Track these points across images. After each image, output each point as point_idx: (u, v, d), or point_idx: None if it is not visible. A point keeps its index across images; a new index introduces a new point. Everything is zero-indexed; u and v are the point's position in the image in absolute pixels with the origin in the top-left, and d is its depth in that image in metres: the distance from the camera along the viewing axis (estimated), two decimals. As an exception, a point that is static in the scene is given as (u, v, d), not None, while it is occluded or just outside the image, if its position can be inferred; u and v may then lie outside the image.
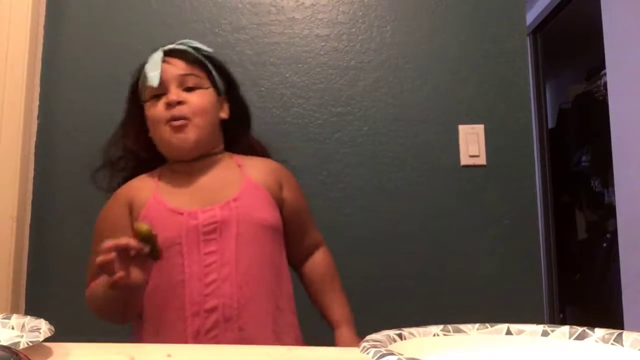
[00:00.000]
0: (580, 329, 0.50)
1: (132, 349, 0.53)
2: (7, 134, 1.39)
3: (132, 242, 0.79)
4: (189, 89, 0.99)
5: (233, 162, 1.03)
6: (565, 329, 0.51)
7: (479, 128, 1.43)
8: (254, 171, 1.01)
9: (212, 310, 0.88)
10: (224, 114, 1.06)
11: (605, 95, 2.17)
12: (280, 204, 1.02)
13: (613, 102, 2.05)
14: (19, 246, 1.36)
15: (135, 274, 0.81)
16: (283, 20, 1.50)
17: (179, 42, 1.05)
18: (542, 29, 2.86)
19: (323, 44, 1.48)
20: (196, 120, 0.97)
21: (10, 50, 1.41)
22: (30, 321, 0.55)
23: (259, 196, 0.97)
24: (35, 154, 1.43)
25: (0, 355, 0.39)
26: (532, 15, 2.82)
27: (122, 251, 0.78)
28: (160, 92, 0.98)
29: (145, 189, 0.99)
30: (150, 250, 0.80)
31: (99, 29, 1.49)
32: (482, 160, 1.42)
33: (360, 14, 1.50)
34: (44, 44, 1.48)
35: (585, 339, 0.49)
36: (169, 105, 0.96)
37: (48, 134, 1.45)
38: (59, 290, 1.38)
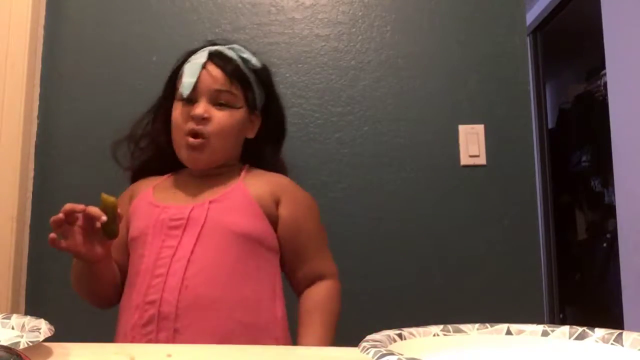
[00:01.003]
0: (580, 329, 0.50)
1: (132, 349, 0.53)
2: (7, 134, 1.39)
3: (92, 209, 0.80)
4: (220, 105, 0.96)
5: (239, 172, 1.01)
6: (565, 329, 0.51)
7: (479, 128, 1.43)
8: (253, 181, 0.98)
9: (151, 303, 0.85)
10: (251, 134, 1.04)
11: (605, 95, 2.17)
12: (274, 220, 0.96)
13: (613, 102, 2.05)
14: (19, 246, 1.36)
15: (92, 247, 0.83)
16: (283, 20, 1.50)
17: (230, 46, 1.01)
18: (542, 29, 2.86)
19: (323, 44, 1.48)
20: (214, 142, 0.95)
21: (10, 50, 1.41)
22: (30, 321, 0.55)
23: (240, 202, 0.94)
24: (35, 154, 1.43)
25: (0, 355, 0.39)
26: (532, 15, 2.82)
27: (88, 220, 0.81)
28: (191, 97, 0.96)
29: (147, 184, 1.01)
30: (107, 224, 0.80)
31: (99, 29, 1.49)
32: (482, 160, 1.42)
33: (360, 14, 1.50)
34: (44, 44, 1.47)
35: (585, 339, 0.49)
36: (193, 119, 0.94)
37: (48, 134, 1.45)
38: (59, 290, 1.37)
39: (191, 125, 0.94)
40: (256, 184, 0.97)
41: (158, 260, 0.88)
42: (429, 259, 1.39)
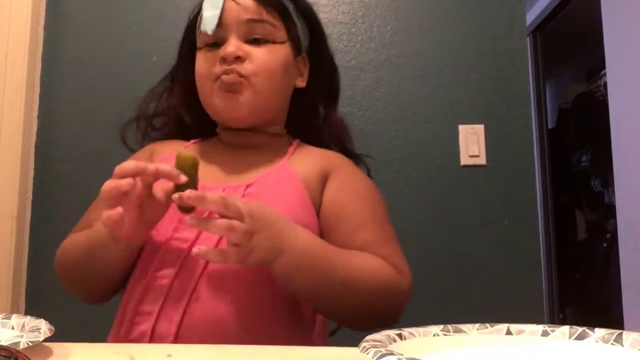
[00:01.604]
0: (580, 329, 0.50)
1: (132, 349, 0.53)
2: (7, 134, 1.39)
3: (165, 168, 0.60)
4: (256, 41, 0.74)
5: (286, 148, 0.79)
6: (565, 329, 0.51)
7: (479, 128, 1.43)
8: (301, 160, 0.76)
9: (146, 315, 0.65)
10: (301, 82, 0.81)
11: (605, 95, 2.17)
12: (319, 202, 0.73)
13: (613, 102, 2.05)
14: (19, 246, 1.36)
15: (142, 225, 0.63)
16: (283, 20, 1.50)
17: None
18: (542, 29, 2.86)
19: (323, 44, 1.48)
20: (256, 81, 0.73)
21: (10, 50, 1.41)
22: (30, 321, 0.55)
23: (285, 189, 0.72)
24: (35, 154, 1.43)
25: (0, 355, 0.39)
26: (532, 15, 2.82)
27: (149, 188, 0.61)
28: (217, 40, 0.75)
29: (173, 144, 0.81)
30: (183, 189, 0.58)
31: (99, 29, 1.49)
32: (482, 160, 1.42)
33: (360, 14, 1.50)
34: (44, 44, 1.47)
35: (585, 339, 0.49)
36: (224, 60, 0.73)
37: (48, 134, 1.45)
38: (59, 290, 1.37)
39: (222, 69, 0.73)
40: (305, 163, 0.75)
41: (165, 254, 0.67)
42: (429, 259, 1.39)
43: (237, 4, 0.74)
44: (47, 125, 1.45)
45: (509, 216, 1.40)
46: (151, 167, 0.60)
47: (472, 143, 1.42)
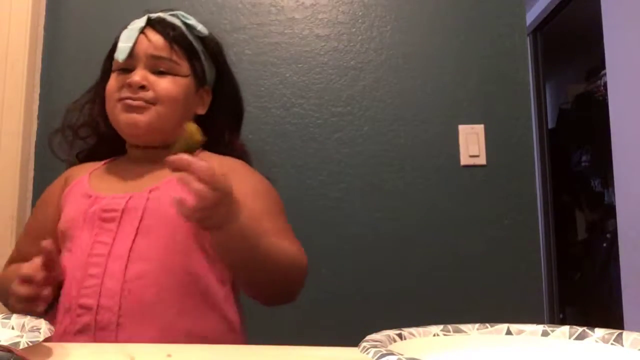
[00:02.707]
0: (580, 329, 0.50)
1: (132, 349, 0.53)
2: (7, 134, 1.39)
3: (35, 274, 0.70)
4: (161, 73, 0.84)
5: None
6: (565, 329, 0.51)
7: (479, 128, 1.43)
8: None
9: (85, 308, 0.72)
10: (201, 110, 0.91)
11: (605, 95, 2.17)
12: None
13: (613, 102, 2.05)
14: (19, 246, 1.36)
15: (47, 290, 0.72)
16: (283, 20, 1.50)
17: (172, 12, 0.91)
18: (542, 29, 2.86)
19: (323, 44, 1.48)
20: (160, 108, 0.83)
21: (10, 50, 1.41)
22: (30, 321, 0.55)
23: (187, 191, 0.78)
24: (35, 154, 1.43)
25: (0, 355, 0.39)
26: (532, 15, 2.82)
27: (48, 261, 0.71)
28: (128, 66, 0.84)
29: (85, 169, 0.90)
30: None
31: (99, 29, 1.49)
32: (482, 160, 1.42)
33: (360, 14, 1.50)
34: (44, 44, 1.48)
35: (585, 339, 0.49)
36: (129, 86, 0.82)
37: (48, 134, 1.45)
38: (59, 290, 1.38)
39: (126, 94, 0.82)
40: None
41: (91, 257, 0.75)
42: (429, 258, 1.39)
43: (149, 40, 0.85)
44: (47, 125, 1.45)
45: (509, 216, 1.40)
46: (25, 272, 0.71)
47: (472, 143, 1.42)
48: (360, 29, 1.49)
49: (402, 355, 0.38)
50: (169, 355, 0.50)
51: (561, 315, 2.80)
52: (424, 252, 1.39)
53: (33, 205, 1.41)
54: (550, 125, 3.02)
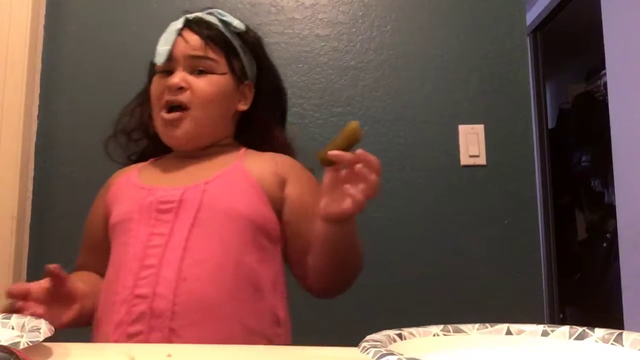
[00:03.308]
0: (580, 329, 0.50)
1: (132, 349, 0.53)
2: (7, 134, 1.39)
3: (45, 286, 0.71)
4: (200, 72, 0.86)
5: (236, 153, 0.89)
6: (565, 329, 0.51)
7: (479, 128, 1.43)
8: (253, 162, 0.86)
9: (141, 297, 0.73)
10: (243, 105, 0.92)
11: (605, 95, 2.17)
12: (277, 204, 0.84)
13: (613, 102, 2.05)
14: (19, 246, 1.36)
15: (58, 313, 0.73)
16: (283, 20, 1.50)
17: (209, 10, 0.92)
18: (542, 29, 2.86)
19: (323, 44, 1.48)
20: (196, 113, 0.85)
21: (10, 50, 1.41)
22: (30, 321, 0.55)
23: (240, 184, 0.82)
24: (35, 154, 1.43)
25: (0, 355, 0.39)
26: (532, 15, 2.82)
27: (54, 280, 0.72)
28: (168, 68, 0.87)
29: (128, 170, 0.92)
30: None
31: (99, 29, 1.49)
32: (482, 160, 1.42)
33: (360, 14, 1.50)
34: (44, 44, 1.48)
35: (585, 339, 0.49)
36: (169, 89, 0.85)
37: (48, 134, 1.45)
38: (59, 290, 1.37)
39: (167, 97, 0.85)
40: (257, 164, 0.86)
41: (147, 248, 0.76)
42: (429, 258, 1.39)
43: (186, 41, 0.87)
44: (47, 125, 1.45)
45: (509, 216, 1.40)
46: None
47: (472, 143, 1.42)
48: (360, 29, 1.49)
49: (402, 355, 0.38)
50: (169, 355, 0.50)
51: (561, 315, 2.80)
52: (424, 252, 1.39)
53: (33, 205, 1.41)
54: (550, 125, 3.02)
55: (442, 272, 1.38)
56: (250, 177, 0.83)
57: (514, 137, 1.43)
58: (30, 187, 1.42)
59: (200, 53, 0.87)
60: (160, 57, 0.86)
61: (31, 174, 1.42)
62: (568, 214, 2.99)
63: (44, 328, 0.51)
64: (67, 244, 1.40)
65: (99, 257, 0.86)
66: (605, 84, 2.22)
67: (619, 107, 2.01)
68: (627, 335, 0.47)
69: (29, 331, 0.52)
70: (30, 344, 0.46)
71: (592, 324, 0.52)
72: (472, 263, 1.38)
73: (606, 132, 2.07)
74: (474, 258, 1.38)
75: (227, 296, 0.75)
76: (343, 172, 0.70)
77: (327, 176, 0.71)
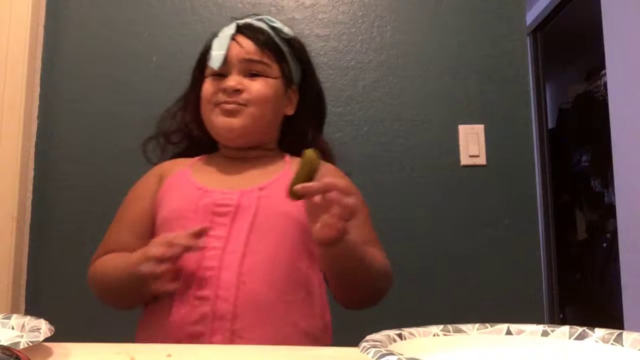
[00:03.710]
0: (580, 329, 0.50)
1: (132, 349, 0.53)
2: (7, 134, 1.39)
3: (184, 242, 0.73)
4: (254, 75, 0.89)
5: (283, 160, 0.93)
6: (565, 329, 0.51)
7: (479, 128, 1.43)
8: None
9: (203, 299, 0.75)
10: (290, 110, 0.95)
11: (605, 95, 2.17)
12: None
13: (613, 102, 2.05)
14: (19, 246, 1.36)
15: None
16: (283, 20, 1.48)
17: (258, 17, 0.96)
18: (542, 29, 2.86)
19: (323, 44, 1.48)
20: (253, 109, 0.87)
21: (10, 50, 1.41)
22: (30, 321, 0.55)
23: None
24: (35, 154, 1.43)
25: (0, 355, 0.39)
26: (532, 15, 2.82)
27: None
28: (222, 72, 0.89)
29: (180, 164, 0.93)
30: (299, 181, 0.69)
31: (99, 29, 1.49)
32: (482, 160, 1.42)
33: (360, 14, 1.50)
34: (44, 44, 1.47)
35: (585, 339, 0.49)
36: (225, 91, 0.87)
37: (48, 134, 1.45)
38: (59, 290, 1.38)
39: (222, 98, 0.87)
40: None
41: (206, 250, 0.77)
42: (429, 258, 1.39)
43: (240, 46, 0.89)
44: (47, 125, 1.45)
45: (509, 216, 1.40)
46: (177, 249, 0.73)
47: (472, 143, 1.42)
48: (360, 29, 1.49)
49: (402, 355, 0.38)
50: (169, 355, 0.50)
51: (561, 315, 2.80)
52: (424, 252, 1.39)
53: (33, 205, 1.41)
54: (550, 125, 3.02)
55: (442, 272, 1.38)
56: None
57: (514, 137, 1.43)
58: (30, 187, 1.42)
59: (255, 57, 0.89)
60: (215, 62, 0.88)
61: (31, 174, 1.42)
62: (568, 214, 2.99)
63: (44, 328, 0.51)
64: (67, 244, 1.40)
65: (140, 240, 0.84)
66: (605, 84, 2.22)
67: (619, 107, 2.01)
68: (627, 335, 0.47)
69: (29, 331, 0.52)
70: (30, 344, 0.46)
71: (592, 324, 0.52)
72: (472, 263, 1.38)
73: (606, 132, 2.07)
74: (474, 258, 1.38)
75: (283, 299, 0.77)
76: (317, 198, 0.70)
77: (305, 206, 0.72)
